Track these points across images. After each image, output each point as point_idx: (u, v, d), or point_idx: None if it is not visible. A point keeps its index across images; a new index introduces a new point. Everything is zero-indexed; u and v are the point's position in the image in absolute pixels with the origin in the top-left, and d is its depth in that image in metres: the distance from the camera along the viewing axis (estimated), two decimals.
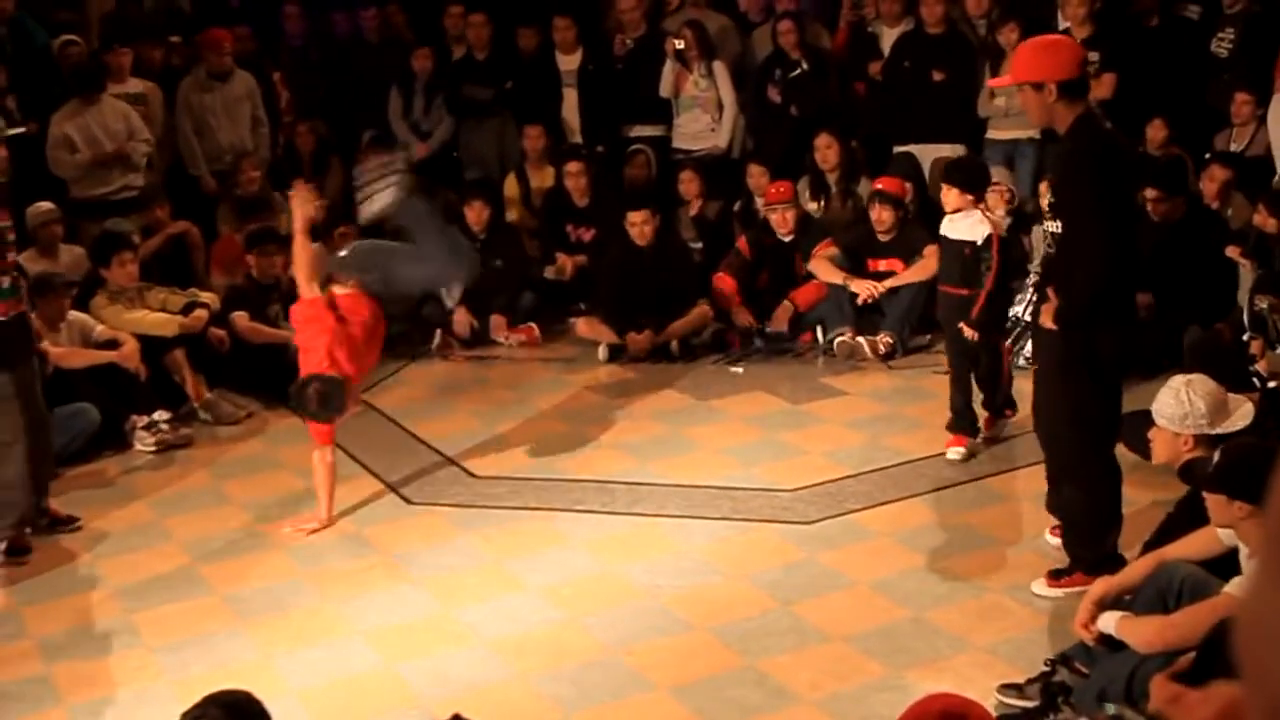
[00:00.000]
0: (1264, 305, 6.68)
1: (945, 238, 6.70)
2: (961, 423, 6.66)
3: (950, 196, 6.62)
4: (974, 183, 6.75)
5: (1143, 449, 4.94)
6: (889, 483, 6.42)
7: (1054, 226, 5.07)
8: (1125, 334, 5.12)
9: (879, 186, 8.48)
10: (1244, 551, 4.03)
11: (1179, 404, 4.52)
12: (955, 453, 6.60)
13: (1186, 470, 4.27)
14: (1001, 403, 6.82)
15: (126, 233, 8.36)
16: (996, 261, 6.52)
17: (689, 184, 9.62)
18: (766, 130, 10.00)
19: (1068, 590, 5.14)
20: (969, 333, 6.50)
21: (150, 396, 7.47)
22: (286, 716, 3.80)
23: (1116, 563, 5.10)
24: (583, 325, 8.79)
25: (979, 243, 6.54)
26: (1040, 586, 5.23)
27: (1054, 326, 4.99)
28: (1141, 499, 5.86)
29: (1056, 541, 5.51)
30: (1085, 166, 4.90)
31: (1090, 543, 5.16)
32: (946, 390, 6.98)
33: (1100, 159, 4.89)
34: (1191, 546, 4.26)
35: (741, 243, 8.98)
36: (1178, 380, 4.62)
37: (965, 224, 6.59)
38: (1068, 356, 5.00)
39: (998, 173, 8.39)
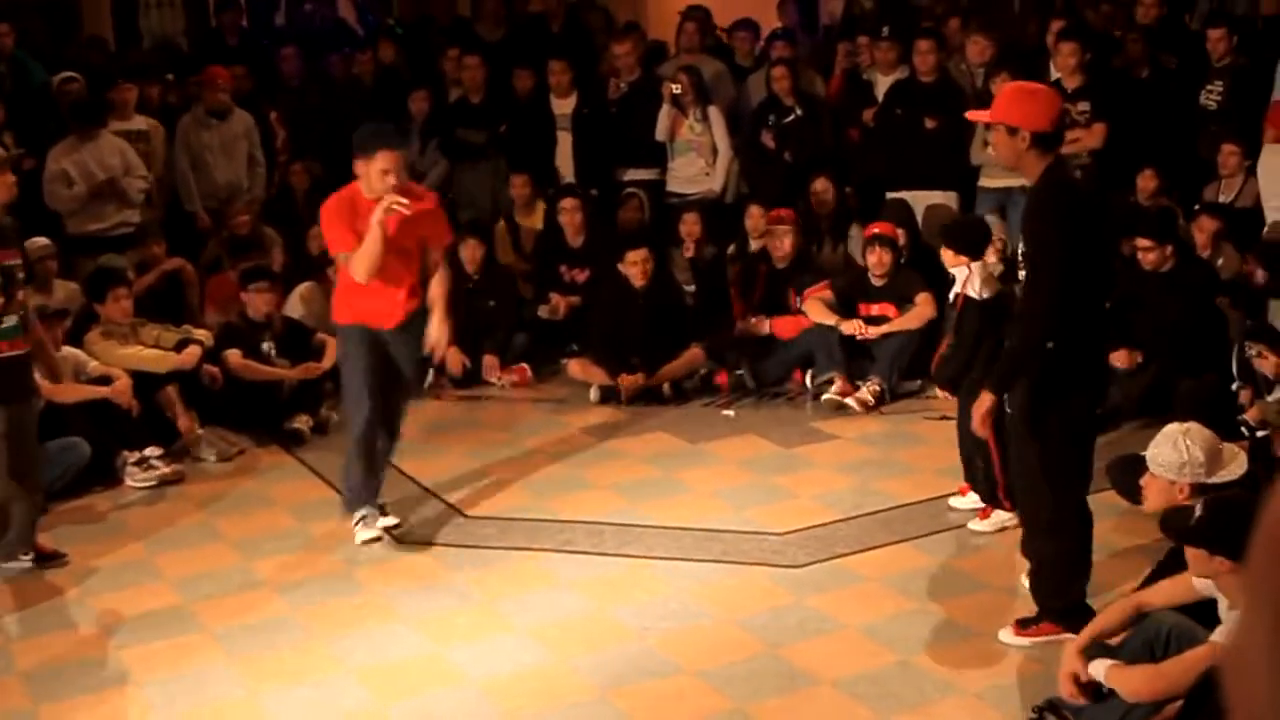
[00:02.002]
0: (1253, 352, 6.71)
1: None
2: (970, 474, 6.52)
3: (946, 256, 6.47)
4: (967, 244, 6.43)
5: (1131, 494, 4.95)
6: (878, 527, 6.44)
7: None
8: (1096, 397, 5.17)
9: (876, 230, 8.52)
10: (1223, 603, 4.05)
11: (1177, 453, 4.51)
12: (959, 501, 6.51)
13: (1168, 523, 4.27)
14: (992, 489, 6.29)
15: (121, 269, 8.40)
16: (956, 322, 6.30)
17: (691, 225, 9.66)
18: (760, 175, 10.08)
19: (1034, 640, 5.14)
20: (940, 391, 6.33)
21: (142, 433, 7.48)
22: None
23: (1084, 612, 5.11)
24: (575, 366, 8.83)
25: (950, 299, 6.42)
26: (1008, 635, 5.21)
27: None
28: (1124, 544, 5.90)
29: None
30: (1050, 211, 4.89)
31: (1059, 592, 5.15)
32: (936, 435, 7.00)
33: (1067, 207, 4.88)
34: (1166, 593, 4.28)
35: (733, 273, 9.14)
36: (1174, 429, 4.61)
37: (957, 283, 6.42)
38: (1038, 408, 4.98)
39: (989, 221, 8.43)
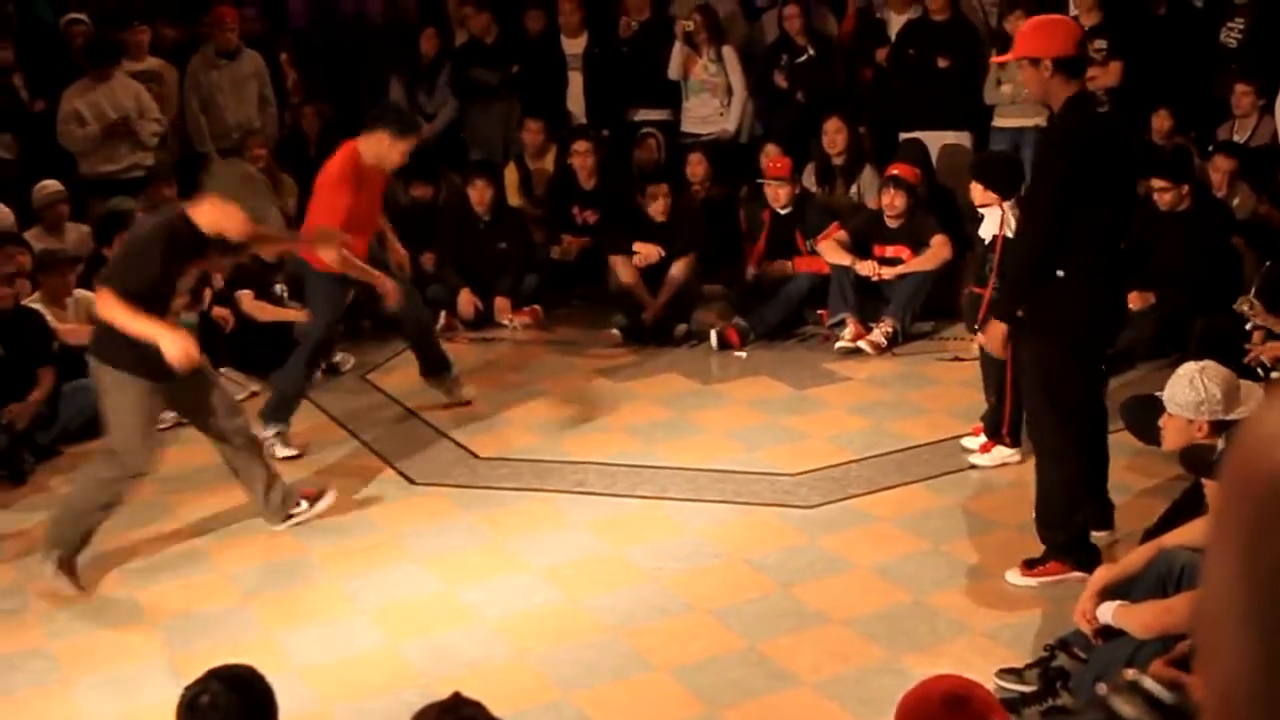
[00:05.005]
0: (1245, 307, 6.69)
1: (978, 236, 6.51)
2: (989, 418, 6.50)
3: (975, 191, 6.36)
4: (1001, 181, 6.30)
5: (1147, 434, 4.94)
6: (891, 468, 6.43)
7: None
8: (1109, 333, 5.18)
9: (895, 172, 8.40)
10: None
11: (1194, 391, 4.49)
12: (973, 441, 6.48)
13: (1188, 458, 4.26)
14: (997, 425, 6.34)
15: (130, 212, 8.36)
16: (998, 264, 6.12)
17: (695, 165, 9.62)
18: (773, 115, 10.01)
19: (1041, 580, 5.14)
20: (980, 339, 6.24)
21: None
22: (289, 692, 3.80)
23: (1088, 548, 5.12)
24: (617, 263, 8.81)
25: (986, 241, 6.31)
26: (1015, 576, 5.22)
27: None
28: (1138, 484, 5.90)
29: None
30: (1061, 143, 4.96)
31: (1060, 523, 5.16)
32: (949, 376, 6.95)
33: (1085, 145, 4.89)
34: (1190, 534, 4.27)
35: (740, 217, 9.10)
36: (1190, 367, 4.59)
37: (987, 222, 6.33)
38: (1052, 336, 5.02)
39: None
